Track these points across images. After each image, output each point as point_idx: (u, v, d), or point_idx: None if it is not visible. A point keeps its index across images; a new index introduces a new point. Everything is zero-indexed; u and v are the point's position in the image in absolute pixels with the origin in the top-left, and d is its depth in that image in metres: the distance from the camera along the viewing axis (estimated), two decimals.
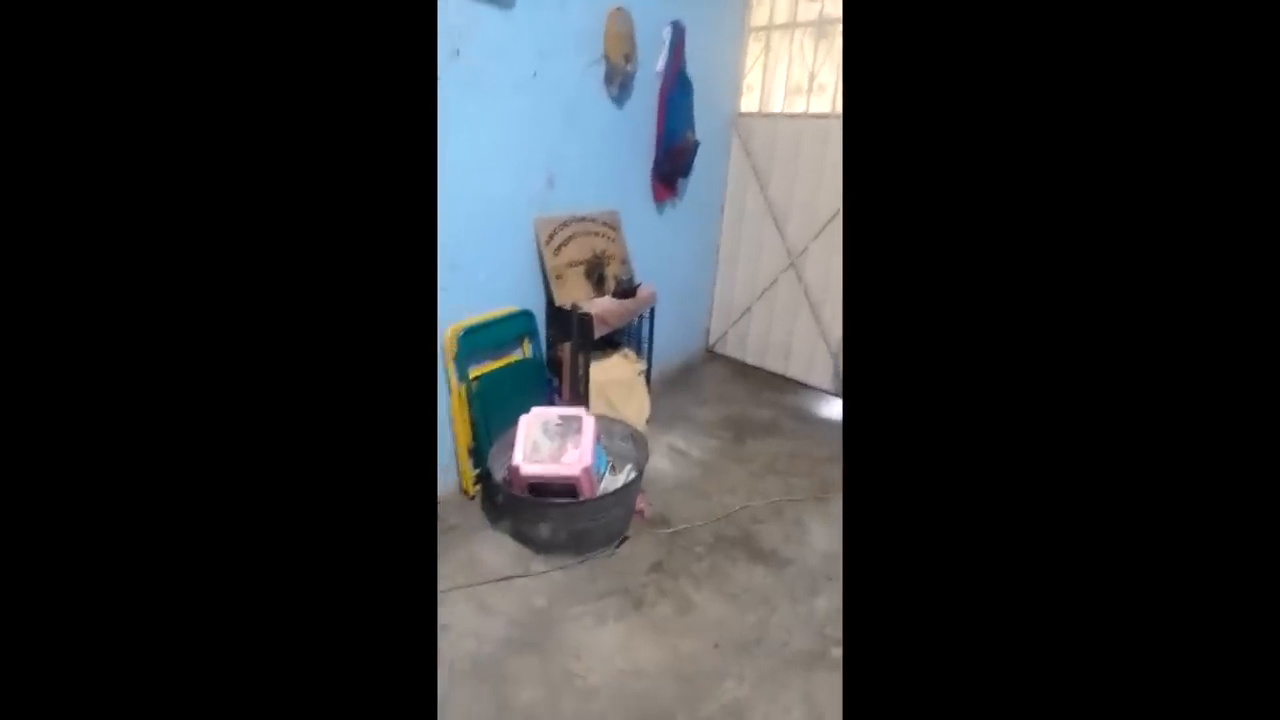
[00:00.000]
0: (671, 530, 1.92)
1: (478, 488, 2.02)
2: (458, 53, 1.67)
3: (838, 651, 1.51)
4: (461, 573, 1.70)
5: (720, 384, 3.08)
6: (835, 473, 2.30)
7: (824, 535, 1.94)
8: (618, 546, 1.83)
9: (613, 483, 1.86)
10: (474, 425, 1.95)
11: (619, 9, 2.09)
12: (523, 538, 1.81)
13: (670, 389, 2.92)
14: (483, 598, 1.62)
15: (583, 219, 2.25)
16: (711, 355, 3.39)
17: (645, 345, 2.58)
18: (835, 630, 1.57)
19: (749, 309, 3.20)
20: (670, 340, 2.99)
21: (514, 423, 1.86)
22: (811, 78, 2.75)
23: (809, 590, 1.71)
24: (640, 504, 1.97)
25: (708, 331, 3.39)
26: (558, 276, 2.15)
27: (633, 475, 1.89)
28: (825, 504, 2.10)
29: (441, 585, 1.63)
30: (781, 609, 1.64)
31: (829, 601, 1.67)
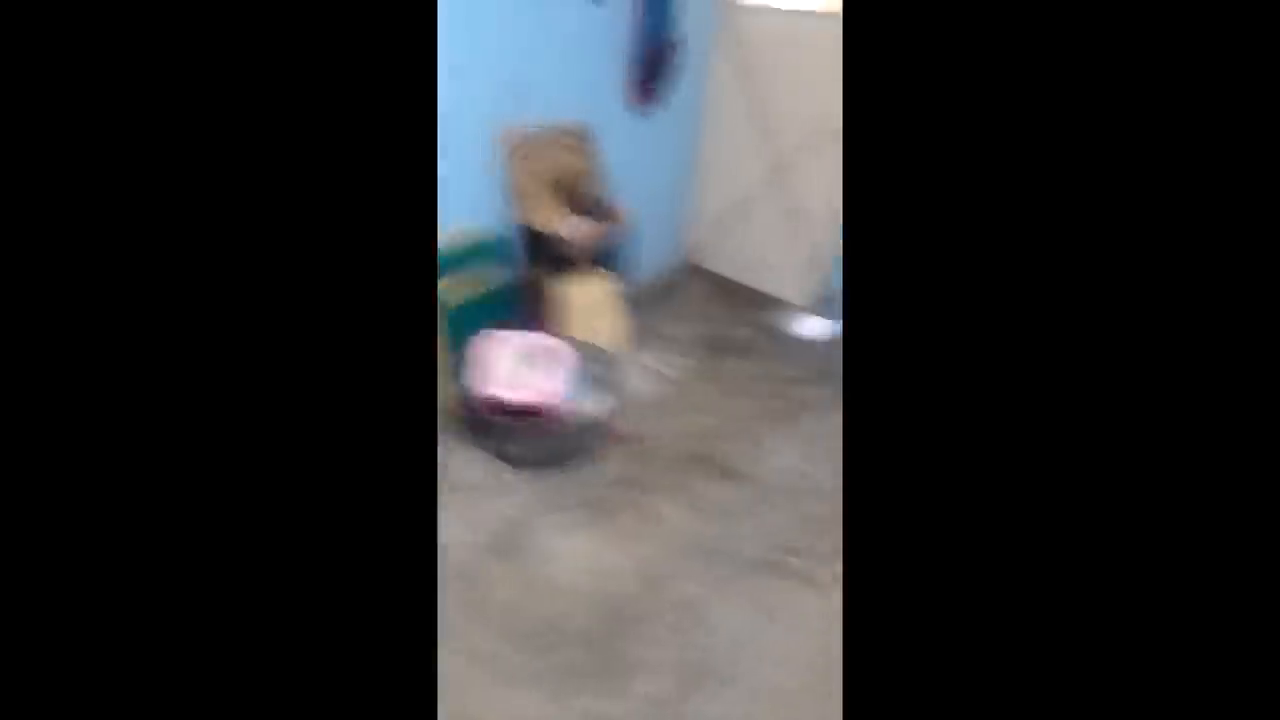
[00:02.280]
0: (643, 447, 2.01)
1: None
2: None
3: (793, 561, 1.65)
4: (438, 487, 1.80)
5: (699, 301, 3.09)
6: (803, 393, 2.37)
7: (788, 454, 2.04)
8: (589, 462, 1.93)
9: (586, 407, 1.92)
10: (452, 351, 1.97)
11: None
12: (497, 453, 1.89)
13: (649, 306, 2.92)
14: (460, 509, 1.73)
15: (553, 131, 2.14)
16: (693, 270, 3.36)
17: (622, 265, 2.54)
18: (786, 540, 1.71)
19: (732, 223, 3.13)
20: (649, 255, 2.94)
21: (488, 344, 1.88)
22: None
23: (769, 505, 1.83)
24: (614, 422, 2.05)
25: (689, 245, 3.33)
26: (526, 195, 2.07)
27: (606, 400, 1.95)
28: (793, 424, 2.19)
29: None
30: (742, 521, 1.77)
31: (786, 516, 1.80)
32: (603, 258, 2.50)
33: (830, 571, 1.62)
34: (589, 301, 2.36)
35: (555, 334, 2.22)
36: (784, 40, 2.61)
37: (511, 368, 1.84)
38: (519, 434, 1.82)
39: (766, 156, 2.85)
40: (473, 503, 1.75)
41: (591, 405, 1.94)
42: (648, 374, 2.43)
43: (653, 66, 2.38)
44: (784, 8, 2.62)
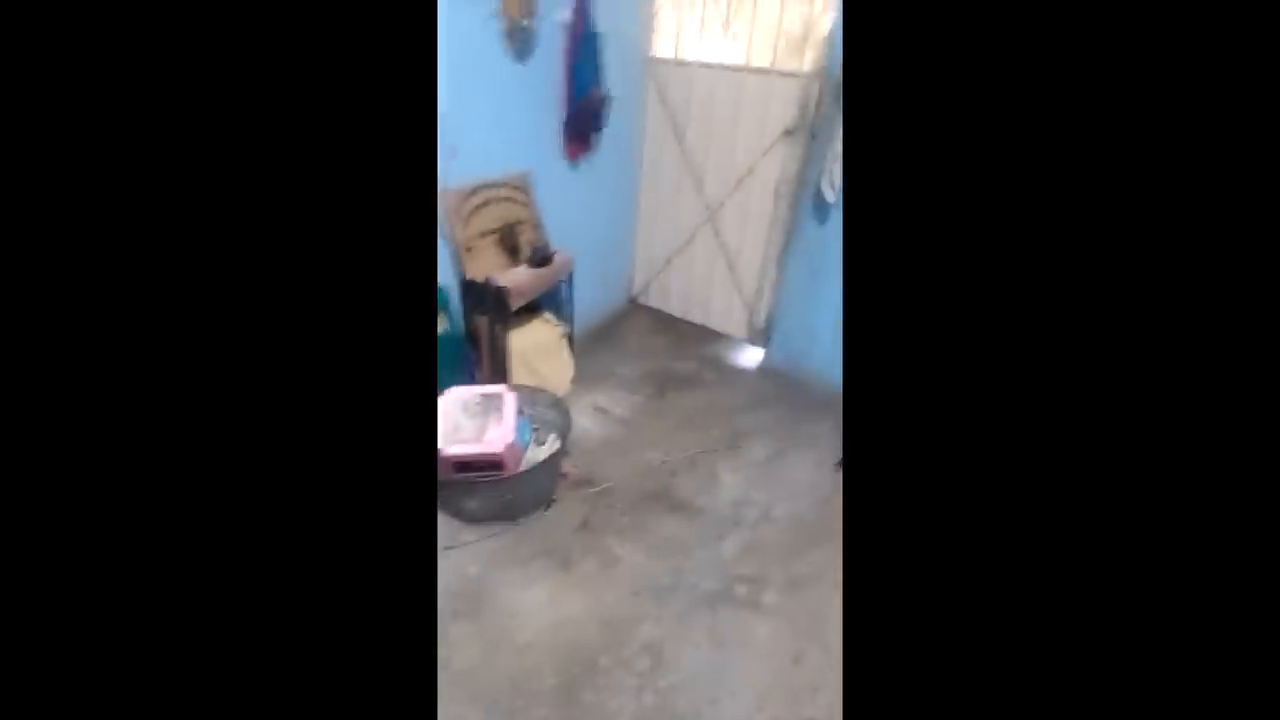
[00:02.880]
0: (596, 489, 2.07)
1: None
2: None
3: (741, 589, 1.75)
4: None
5: (643, 337, 3.19)
6: (746, 422, 2.50)
7: (733, 484, 2.16)
8: (545, 511, 1.97)
9: (537, 454, 1.97)
10: None
11: None
12: (453, 510, 1.91)
13: (595, 346, 3.00)
14: None
15: (491, 185, 2.20)
16: (636, 307, 3.47)
17: (566, 307, 2.62)
18: (739, 570, 1.81)
19: (669, 261, 3.26)
20: (593, 296, 3.03)
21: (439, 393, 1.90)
22: (725, 25, 2.69)
23: (717, 536, 1.93)
24: (566, 467, 2.10)
25: (631, 282, 3.45)
26: (468, 249, 2.12)
27: (557, 444, 2.00)
28: (735, 454, 2.31)
29: None
30: (694, 555, 1.86)
31: (734, 544, 1.90)
32: (546, 303, 2.57)
33: (775, 595, 1.73)
34: (534, 346, 2.41)
35: (501, 381, 2.26)
36: (698, 89, 2.79)
37: (457, 420, 1.87)
38: (472, 489, 1.84)
39: (699, 200, 3.01)
40: None
41: (543, 451, 1.99)
42: (597, 414, 2.50)
43: (584, 119, 2.49)
44: (700, 61, 2.80)
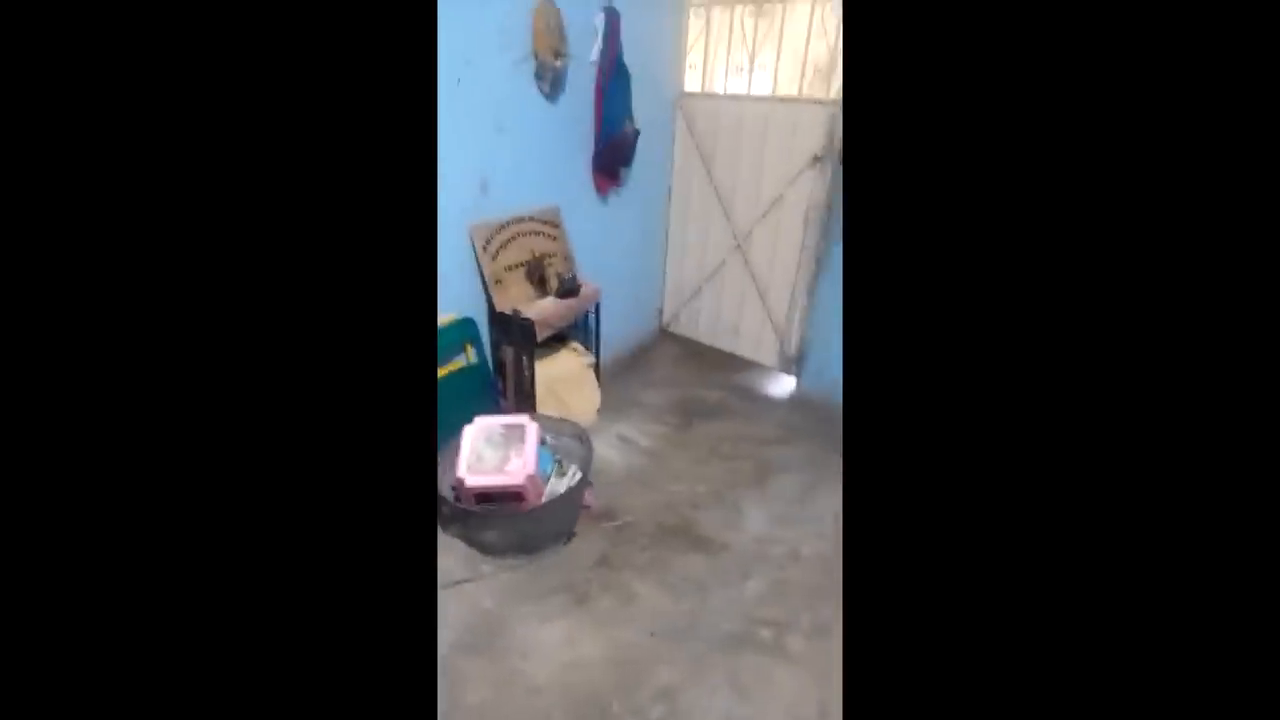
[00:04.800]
0: (617, 524, 2.05)
1: None
2: None
3: (764, 633, 1.68)
4: None
5: (672, 365, 3.18)
6: (774, 454, 2.44)
7: (759, 519, 2.09)
8: (565, 544, 1.95)
9: (559, 485, 1.96)
10: None
11: (545, 2, 2.02)
12: (472, 542, 1.91)
13: (622, 373, 3.00)
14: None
15: (521, 220, 2.25)
16: (665, 335, 3.46)
17: (593, 337, 2.63)
18: (762, 613, 1.74)
19: (699, 289, 3.26)
20: (622, 324, 3.05)
21: (459, 430, 1.93)
22: (751, 58, 2.71)
23: (741, 575, 1.86)
24: (587, 499, 2.09)
25: (661, 311, 3.45)
26: (497, 281, 2.17)
27: (578, 476, 1.99)
28: (762, 487, 2.25)
29: None
30: (714, 594, 1.79)
31: (758, 585, 1.83)
32: (573, 332, 2.59)
33: (801, 640, 1.65)
34: (560, 376, 2.43)
35: (528, 411, 2.28)
36: (726, 120, 2.81)
37: (479, 451, 1.88)
38: (492, 520, 1.85)
39: (729, 228, 3.01)
40: (448, 595, 1.76)
41: (564, 483, 1.98)
42: (621, 444, 2.48)
43: (614, 154, 2.53)
44: (728, 93, 2.83)
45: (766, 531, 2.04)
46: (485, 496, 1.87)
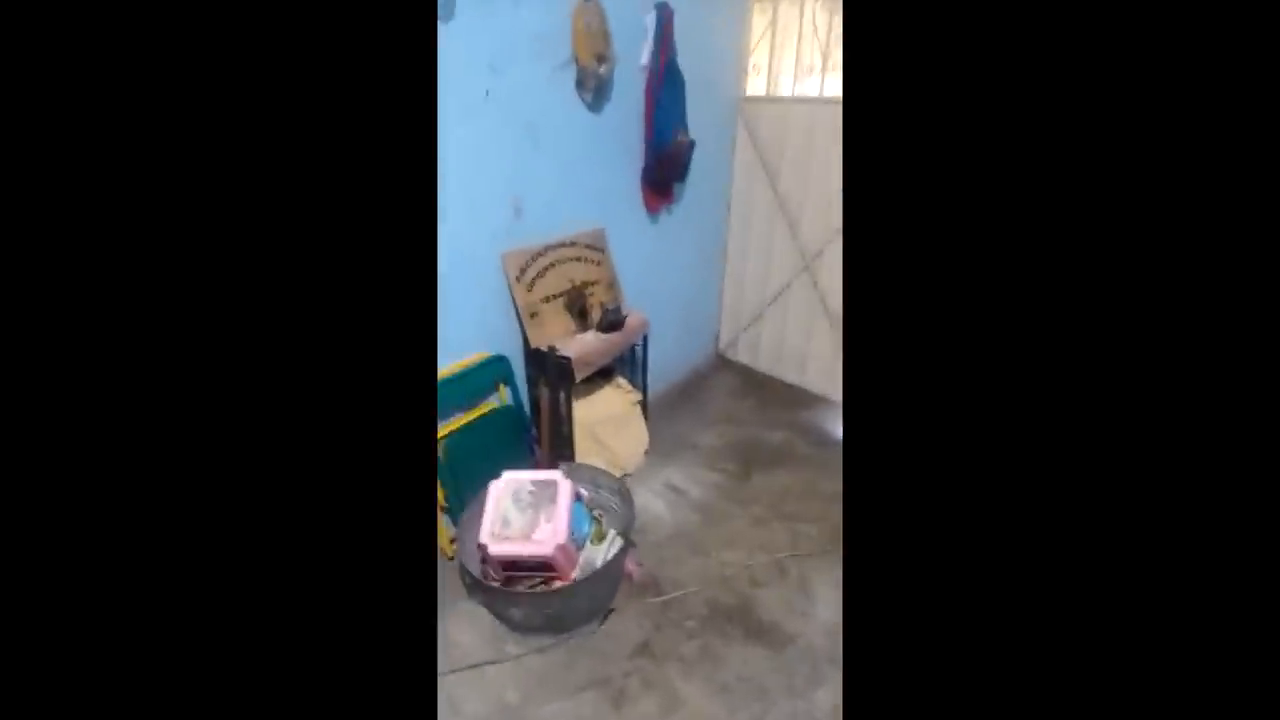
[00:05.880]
0: (662, 599, 1.76)
1: (455, 547, 1.89)
2: None
3: None
4: None
5: (729, 399, 2.86)
6: None
7: (831, 602, 1.75)
8: (602, 623, 1.68)
9: (595, 555, 1.70)
10: (445, 486, 1.81)
11: (586, 1, 1.79)
12: (498, 614, 1.68)
13: (674, 408, 2.71)
14: (450, 689, 1.50)
15: (560, 245, 2.02)
16: (721, 364, 3.15)
17: (640, 372, 2.37)
18: None
19: (761, 315, 2.93)
20: (675, 352, 2.77)
21: (493, 477, 1.70)
22: (825, 56, 2.38)
23: (810, 679, 1.53)
24: (629, 565, 1.81)
25: (717, 337, 3.14)
26: (532, 315, 1.94)
27: (618, 544, 1.72)
28: (835, 557, 1.90)
29: None
30: (778, 705, 1.47)
31: (832, 694, 1.49)
32: (619, 365, 2.33)
33: None
34: (603, 418, 2.18)
35: (566, 458, 2.04)
36: (795, 127, 2.48)
37: (506, 513, 1.65)
38: (518, 595, 1.61)
39: (795, 246, 2.67)
40: (466, 680, 1.52)
41: (600, 551, 1.71)
42: (670, 494, 2.19)
43: (666, 167, 2.27)
44: (795, 96, 2.50)
45: (840, 620, 1.69)
46: (511, 565, 1.64)
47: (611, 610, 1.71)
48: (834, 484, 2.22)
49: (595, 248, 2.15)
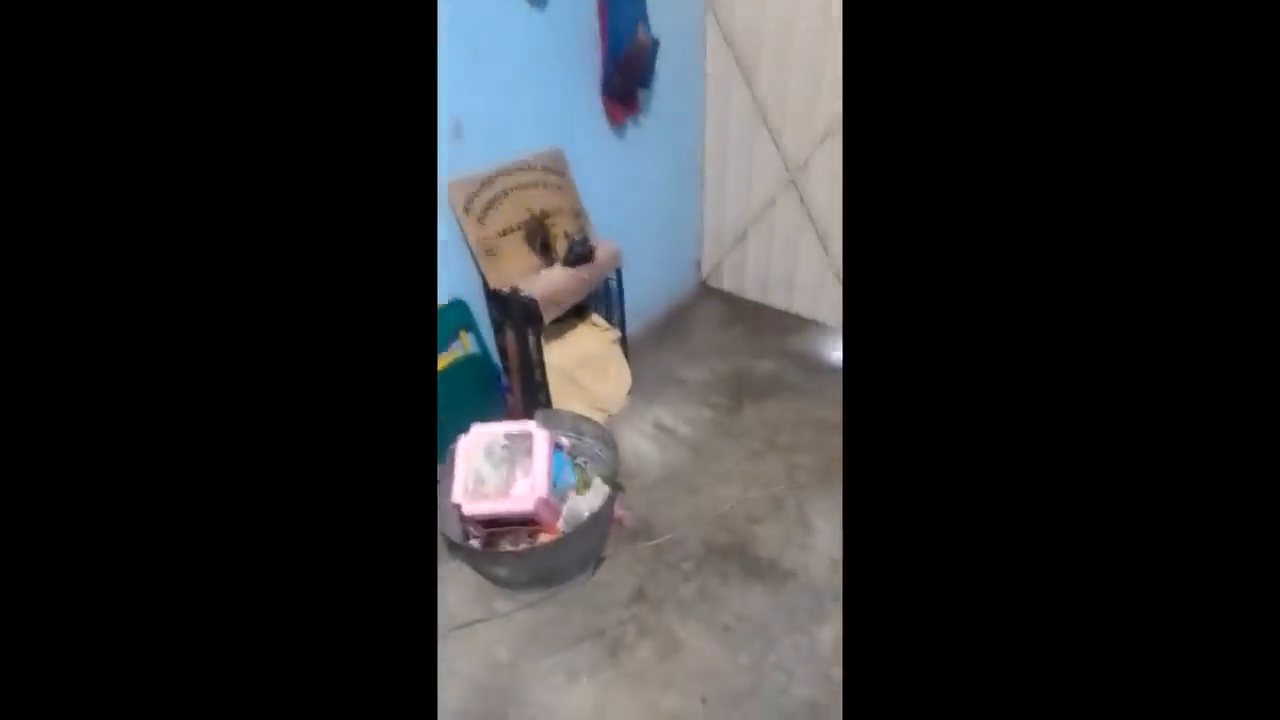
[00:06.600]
0: (655, 542, 1.68)
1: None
2: None
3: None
4: None
5: (715, 329, 2.71)
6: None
7: (830, 535, 1.68)
8: (594, 572, 1.61)
9: (580, 504, 1.60)
10: None
11: None
12: (482, 572, 1.59)
13: (657, 344, 2.57)
14: (439, 650, 1.44)
15: (512, 170, 1.79)
16: (705, 291, 2.98)
17: (617, 306, 2.20)
18: (836, 667, 1.36)
19: (745, 235, 2.73)
20: (653, 282, 2.58)
21: (462, 433, 1.58)
22: None
23: (813, 615, 1.48)
24: (618, 511, 1.72)
25: (698, 263, 2.95)
26: (488, 252, 1.74)
27: (603, 494, 1.62)
28: (833, 487, 1.82)
29: None
30: (780, 643, 1.42)
31: (835, 630, 1.44)
32: (594, 302, 2.16)
33: None
34: (579, 359, 2.03)
35: (540, 405, 1.90)
36: (772, 15, 2.19)
37: (478, 469, 1.53)
38: (501, 554, 1.52)
39: (778, 157, 2.43)
40: (454, 641, 1.46)
41: (585, 501, 1.62)
42: (658, 434, 2.09)
43: (627, 73, 1.99)
44: None
45: (840, 553, 1.63)
46: (493, 524, 1.54)
47: (603, 559, 1.63)
48: (828, 412, 2.12)
49: (554, 170, 1.92)
